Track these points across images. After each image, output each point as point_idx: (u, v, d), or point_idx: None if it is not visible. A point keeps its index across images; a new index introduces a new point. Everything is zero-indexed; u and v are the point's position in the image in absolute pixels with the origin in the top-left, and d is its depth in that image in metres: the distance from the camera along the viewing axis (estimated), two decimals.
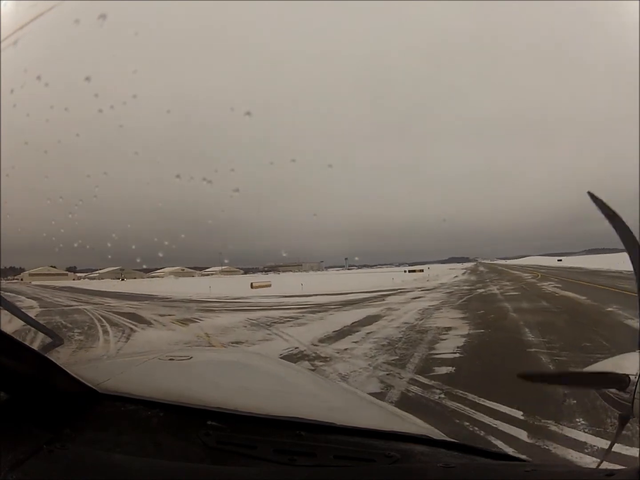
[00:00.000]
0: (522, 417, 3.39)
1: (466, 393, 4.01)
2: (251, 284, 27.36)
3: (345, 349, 6.54)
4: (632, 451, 0.72)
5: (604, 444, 2.80)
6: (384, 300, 15.37)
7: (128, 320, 11.30)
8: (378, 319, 10.00)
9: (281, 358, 5.79)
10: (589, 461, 2.61)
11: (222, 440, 0.79)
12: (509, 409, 3.55)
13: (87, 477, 0.69)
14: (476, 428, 3.26)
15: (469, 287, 19.78)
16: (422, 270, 45.34)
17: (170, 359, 1.46)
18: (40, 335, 1.17)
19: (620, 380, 0.76)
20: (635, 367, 0.80)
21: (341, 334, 8.09)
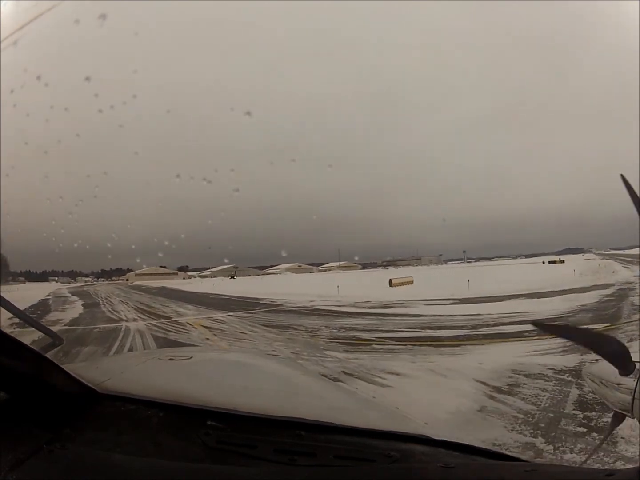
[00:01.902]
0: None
1: None
2: (390, 280, 21.10)
3: None
4: (632, 451, 0.71)
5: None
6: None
7: None
8: None
9: None
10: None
11: (222, 440, 0.79)
12: None
13: (87, 477, 0.69)
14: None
15: None
16: (562, 261, 40.44)
17: (170, 359, 1.47)
18: (40, 335, 1.17)
19: (624, 361, 0.75)
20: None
21: None
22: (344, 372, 5.19)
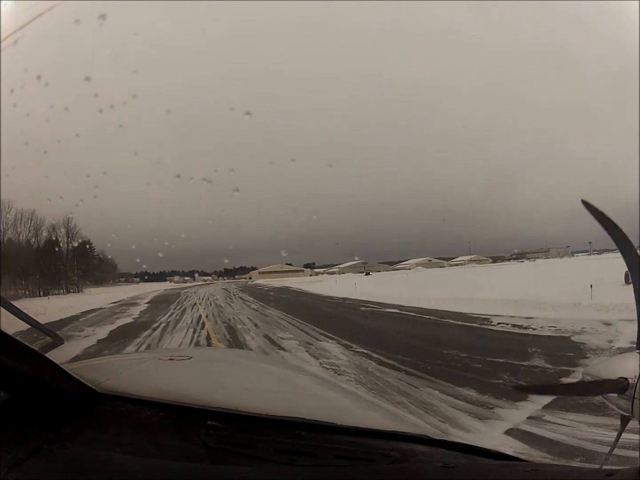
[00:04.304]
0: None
1: None
2: (627, 274, 11.19)
3: None
4: (632, 451, 0.71)
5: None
6: None
7: None
8: None
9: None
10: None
11: (222, 440, 0.79)
12: None
13: (87, 477, 0.69)
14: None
15: None
16: None
17: (170, 359, 1.46)
18: (40, 335, 1.17)
19: (618, 386, 0.76)
20: (635, 367, 0.80)
21: None
22: None
